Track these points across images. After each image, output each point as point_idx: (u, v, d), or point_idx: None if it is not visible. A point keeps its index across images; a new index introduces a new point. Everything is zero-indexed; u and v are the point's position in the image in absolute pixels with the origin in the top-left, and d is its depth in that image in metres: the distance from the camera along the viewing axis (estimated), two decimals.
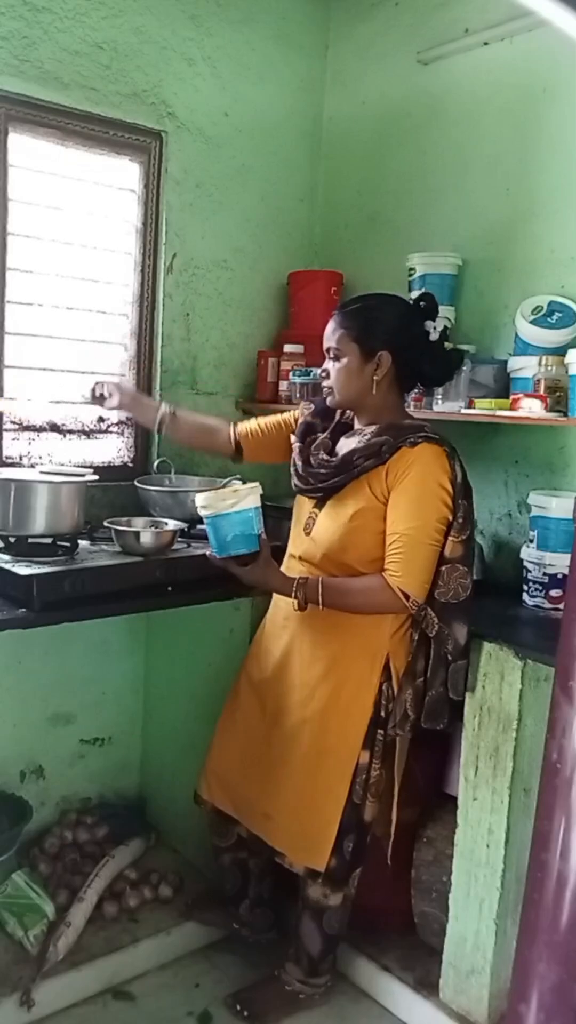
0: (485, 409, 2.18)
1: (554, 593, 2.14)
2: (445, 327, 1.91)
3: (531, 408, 2.08)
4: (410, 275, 2.49)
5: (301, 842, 1.92)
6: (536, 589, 2.17)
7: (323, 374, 1.95)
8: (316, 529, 1.92)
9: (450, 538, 1.81)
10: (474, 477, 2.44)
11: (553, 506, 2.16)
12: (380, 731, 1.88)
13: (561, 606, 2.08)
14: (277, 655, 2.00)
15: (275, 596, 2.05)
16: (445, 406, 2.26)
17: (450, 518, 1.80)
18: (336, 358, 1.89)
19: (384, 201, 2.79)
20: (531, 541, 2.21)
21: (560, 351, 2.12)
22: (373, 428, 1.87)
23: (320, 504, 1.92)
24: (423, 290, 2.44)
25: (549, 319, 2.20)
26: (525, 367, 2.19)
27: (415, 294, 2.42)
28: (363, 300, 1.93)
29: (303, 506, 1.99)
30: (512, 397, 2.15)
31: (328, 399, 1.95)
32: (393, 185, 2.75)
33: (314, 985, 2.04)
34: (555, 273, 2.29)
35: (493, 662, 1.87)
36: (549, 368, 2.12)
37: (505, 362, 2.29)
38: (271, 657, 2.01)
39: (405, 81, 2.68)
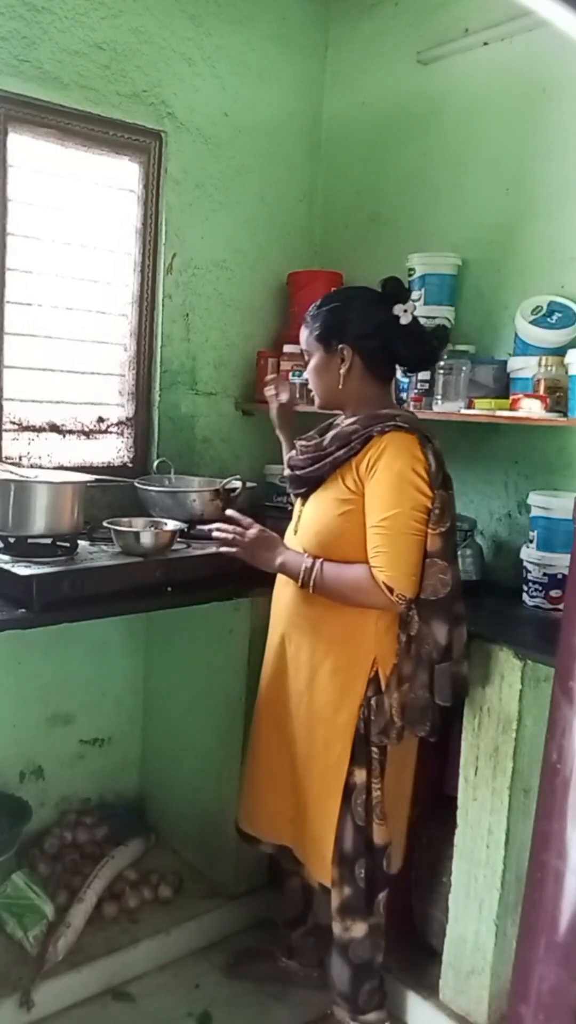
0: (485, 409, 2.18)
1: (554, 593, 2.14)
2: (414, 317, 1.89)
3: (531, 408, 2.08)
4: (410, 275, 2.49)
5: (311, 853, 1.89)
6: (536, 589, 2.16)
7: (306, 378, 1.97)
8: (300, 525, 1.91)
9: (428, 530, 1.74)
10: (474, 477, 2.46)
11: (553, 506, 2.16)
12: (374, 748, 1.81)
13: (561, 606, 2.08)
14: (277, 666, 1.96)
15: (271, 608, 2.01)
16: (445, 406, 2.26)
17: (428, 505, 1.72)
18: (307, 360, 1.92)
19: (384, 201, 2.79)
20: (531, 541, 2.21)
21: (560, 351, 2.12)
22: (351, 419, 1.86)
23: (305, 500, 1.92)
24: (423, 289, 2.45)
25: (549, 319, 2.20)
26: (525, 367, 2.19)
27: (416, 294, 2.43)
28: (325, 299, 1.93)
29: (296, 506, 1.98)
30: (512, 397, 2.15)
31: (315, 402, 1.96)
32: (393, 185, 2.75)
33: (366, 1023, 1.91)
34: (555, 273, 2.29)
35: (493, 662, 1.87)
36: (549, 368, 2.11)
37: (505, 362, 2.29)
38: (271, 669, 1.98)
39: (405, 81, 2.68)
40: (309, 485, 1.89)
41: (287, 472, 1.98)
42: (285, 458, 2.10)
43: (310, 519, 1.87)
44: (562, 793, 0.83)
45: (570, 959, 0.82)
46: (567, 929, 0.82)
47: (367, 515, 1.76)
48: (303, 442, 1.95)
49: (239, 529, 1.90)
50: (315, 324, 1.88)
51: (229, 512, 1.96)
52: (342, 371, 1.85)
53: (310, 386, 1.95)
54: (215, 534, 1.93)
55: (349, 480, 1.78)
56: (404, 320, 1.84)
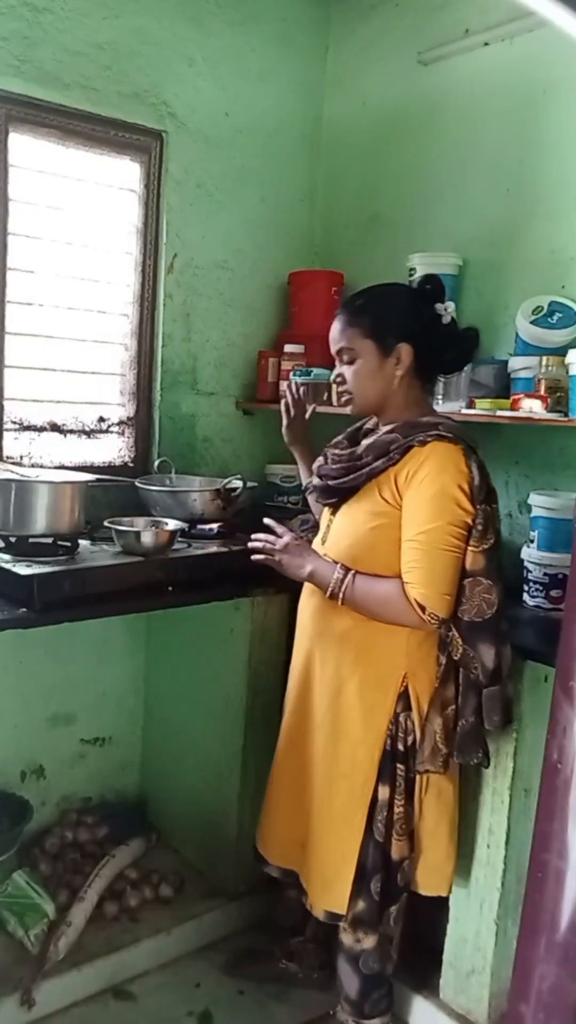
0: (485, 409, 2.18)
1: (554, 593, 2.14)
2: (453, 316, 1.82)
3: (531, 408, 2.08)
4: (410, 275, 2.49)
5: (320, 880, 1.83)
6: (536, 589, 2.17)
7: (338, 379, 1.81)
8: (330, 536, 1.81)
9: (469, 548, 1.64)
10: None
11: (553, 506, 2.16)
12: (400, 765, 1.74)
13: (561, 606, 2.08)
14: (302, 682, 1.90)
15: (297, 621, 1.95)
16: (445, 406, 2.25)
17: (468, 522, 1.63)
18: (350, 360, 1.76)
19: (384, 201, 2.79)
20: (531, 541, 2.21)
21: (560, 351, 2.12)
22: (389, 427, 1.74)
23: (335, 511, 1.82)
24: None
25: (549, 319, 2.20)
26: (525, 367, 2.19)
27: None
28: (368, 293, 1.81)
29: (324, 516, 1.89)
30: (512, 397, 2.15)
31: (349, 407, 1.82)
32: (393, 185, 2.75)
33: None
34: (555, 273, 2.29)
35: None
36: (549, 368, 2.12)
37: (505, 362, 2.29)
38: (296, 686, 1.92)
39: (405, 82, 2.68)
40: (340, 495, 1.79)
41: (316, 481, 1.87)
42: (302, 472, 2.06)
43: (341, 531, 1.77)
44: (563, 793, 0.83)
45: (570, 958, 0.82)
46: (567, 928, 0.82)
47: (403, 528, 1.66)
48: (335, 450, 1.85)
49: (271, 537, 1.84)
50: (363, 319, 1.73)
51: (267, 521, 1.89)
52: (399, 372, 1.72)
53: (347, 387, 1.78)
54: (250, 544, 1.87)
55: (386, 492, 1.68)
56: (445, 319, 1.77)
